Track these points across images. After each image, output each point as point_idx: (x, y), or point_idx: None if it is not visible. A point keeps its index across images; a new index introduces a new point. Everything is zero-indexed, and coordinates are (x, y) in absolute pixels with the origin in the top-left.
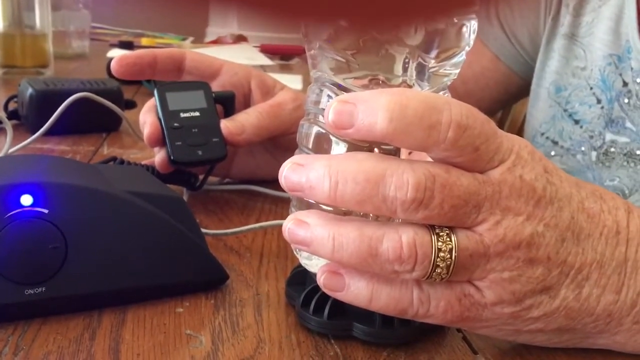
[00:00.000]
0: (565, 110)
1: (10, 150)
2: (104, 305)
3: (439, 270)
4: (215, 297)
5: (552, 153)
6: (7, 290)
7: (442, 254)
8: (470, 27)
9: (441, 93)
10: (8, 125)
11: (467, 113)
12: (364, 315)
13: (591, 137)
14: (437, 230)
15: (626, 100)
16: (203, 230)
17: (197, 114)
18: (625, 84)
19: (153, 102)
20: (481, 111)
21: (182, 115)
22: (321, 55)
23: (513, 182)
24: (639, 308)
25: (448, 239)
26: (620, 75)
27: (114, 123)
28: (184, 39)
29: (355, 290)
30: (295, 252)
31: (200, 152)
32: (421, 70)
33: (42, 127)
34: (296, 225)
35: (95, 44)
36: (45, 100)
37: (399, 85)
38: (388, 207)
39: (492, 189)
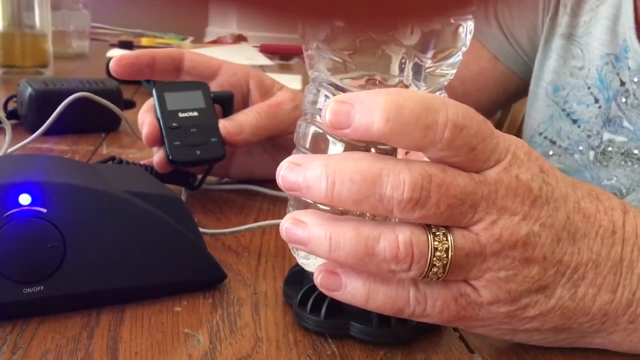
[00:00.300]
0: (563, 110)
1: (9, 150)
2: (102, 304)
3: (435, 269)
4: (213, 296)
5: (550, 153)
6: (6, 289)
7: (438, 254)
8: (467, 28)
9: (438, 93)
10: (7, 124)
11: (463, 113)
12: (361, 314)
13: (589, 136)
14: (434, 230)
15: (623, 100)
16: (201, 229)
17: (195, 114)
18: (622, 83)
19: (152, 102)
20: (479, 111)
21: (181, 115)
22: (318, 56)
23: (509, 182)
24: (635, 307)
25: (444, 239)
26: (618, 74)
27: (113, 123)
28: (183, 39)
29: (352, 290)
30: (292, 252)
31: (198, 152)
32: (418, 70)
33: (41, 126)
34: (293, 225)
35: (95, 44)
36: (45, 100)
37: (395, 86)
38: (385, 207)
39: (489, 188)
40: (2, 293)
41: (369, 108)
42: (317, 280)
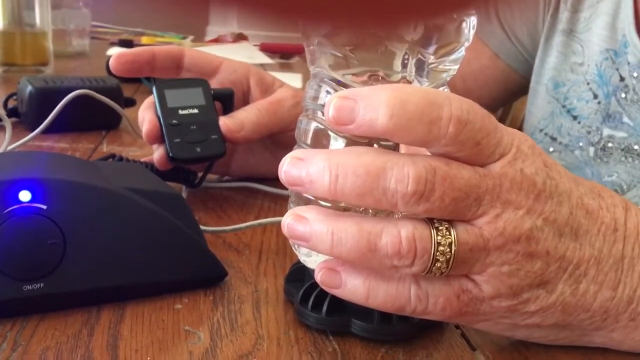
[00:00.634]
0: (563, 106)
1: (9, 148)
2: (103, 301)
3: (438, 264)
4: (213, 293)
5: (551, 149)
6: (6, 286)
7: (441, 248)
8: (470, 23)
9: (440, 89)
10: (7, 122)
11: (467, 108)
12: (362, 311)
13: (589, 132)
14: (437, 225)
15: (623, 95)
16: (202, 227)
17: (195, 111)
18: (622, 78)
19: (152, 99)
20: None
21: (181, 112)
22: (320, 51)
23: (514, 175)
24: (635, 305)
25: (447, 233)
26: (617, 70)
27: (114, 121)
28: (184, 38)
29: (352, 288)
30: (294, 249)
31: (199, 149)
32: (420, 66)
33: (41, 124)
34: (295, 221)
35: (95, 43)
36: (45, 97)
37: (398, 81)
38: (388, 200)
39: (493, 182)
40: (2, 290)
41: (373, 104)
42: (318, 277)
